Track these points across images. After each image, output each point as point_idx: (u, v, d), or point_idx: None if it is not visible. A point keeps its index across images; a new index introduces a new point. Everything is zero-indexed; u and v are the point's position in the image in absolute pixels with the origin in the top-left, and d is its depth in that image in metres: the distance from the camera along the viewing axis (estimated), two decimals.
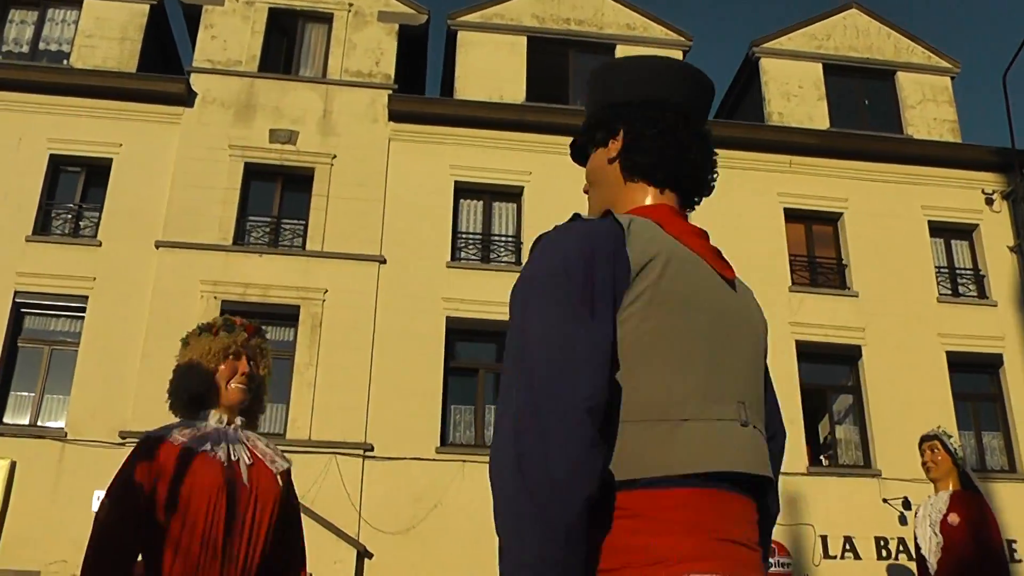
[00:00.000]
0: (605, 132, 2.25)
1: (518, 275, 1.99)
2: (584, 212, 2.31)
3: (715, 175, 2.29)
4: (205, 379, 3.75)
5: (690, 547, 1.79)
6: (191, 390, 3.75)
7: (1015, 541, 20.37)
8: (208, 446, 3.61)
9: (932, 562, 6.53)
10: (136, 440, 3.54)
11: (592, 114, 2.31)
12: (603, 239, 1.94)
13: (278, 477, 3.74)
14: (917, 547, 6.79)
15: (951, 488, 6.68)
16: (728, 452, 1.91)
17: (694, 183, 2.24)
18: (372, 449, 19.15)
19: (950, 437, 6.79)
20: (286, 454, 3.84)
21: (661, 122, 2.19)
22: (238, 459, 3.63)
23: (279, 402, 19.21)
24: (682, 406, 1.90)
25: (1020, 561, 20.30)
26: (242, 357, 3.79)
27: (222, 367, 3.75)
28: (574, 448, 1.72)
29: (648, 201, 2.18)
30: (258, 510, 3.59)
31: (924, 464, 6.85)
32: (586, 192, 2.33)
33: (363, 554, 18.30)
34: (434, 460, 19.13)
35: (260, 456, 3.71)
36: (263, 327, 4.04)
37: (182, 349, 3.87)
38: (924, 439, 6.93)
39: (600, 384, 1.79)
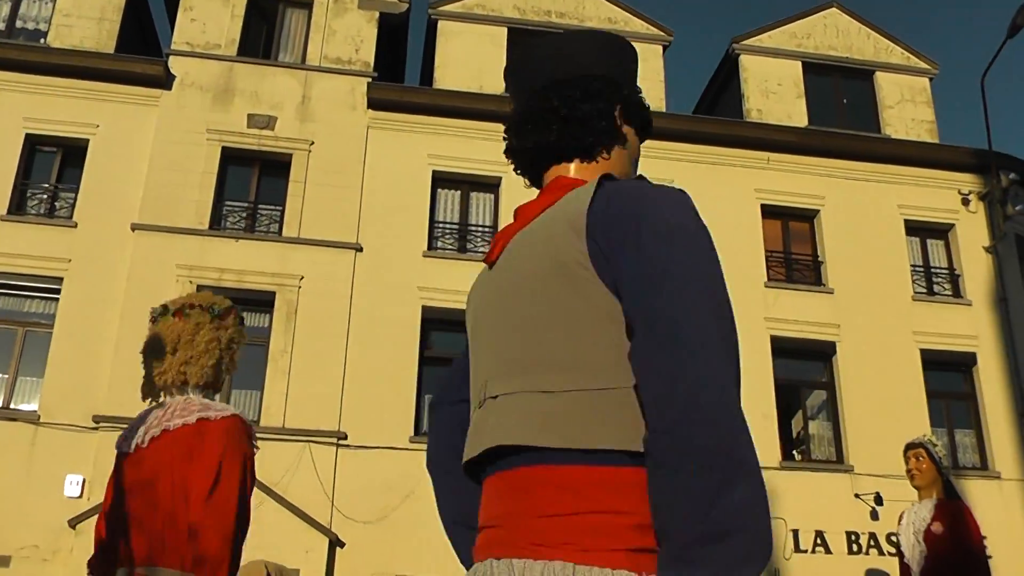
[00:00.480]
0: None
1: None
2: None
3: None
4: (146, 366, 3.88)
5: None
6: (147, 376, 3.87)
7: (986, 538, 20.54)
8: (125, 437, 3.79)
9: (915, 571, 6.57)
10: (109, 425, 3.56)
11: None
12: None
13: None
14: (900, 554, 6.82)
15: (935, 497, 6.71)
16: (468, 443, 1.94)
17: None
18: (346, 438, 19.19)
19: (935, 445, 6.77)
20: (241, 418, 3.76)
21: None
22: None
23: (253, 389, 19.23)
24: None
25: (991, 558, 20.49)
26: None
27: None
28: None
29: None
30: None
31: (909, 471, 6.82)
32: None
33: (335, 543, 18.34)
34: (407, 449, 19.15)
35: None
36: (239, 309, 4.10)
37: None
38: (909, 446, 6.89)
39: None
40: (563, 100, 2.06)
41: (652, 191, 1.80)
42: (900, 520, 6.90)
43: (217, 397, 3.96)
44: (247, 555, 9.84)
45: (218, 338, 3.86)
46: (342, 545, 18.43)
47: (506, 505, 1.77)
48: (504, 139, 2.17)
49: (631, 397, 1.69)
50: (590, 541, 1.63)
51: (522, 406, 1.79)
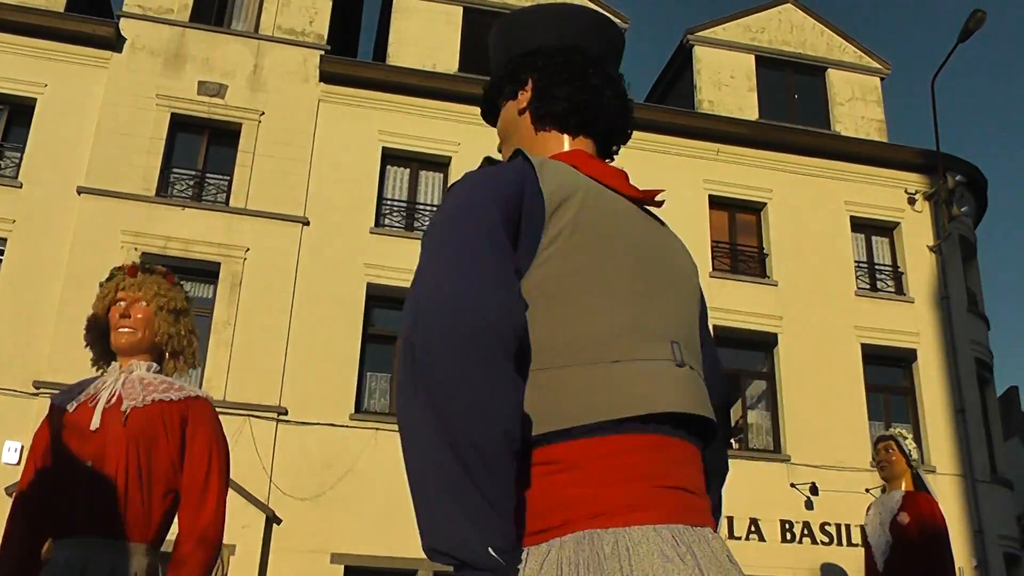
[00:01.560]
0: (514, 83, 2.20)
1: None
2: None
3: (630, 121, 2.25)
4: (97, 329, 3.89)
5: (633, 496, 1.73)
6: (90, 342, 3.91)
7: None
8: (69, 399, 3.71)
9: (880, 561, 6.71)
10: (50, 391, 3.58)
11: (499, 67, 2.27)
12: (512, 177, 1.88)
13: (150, 410, 3.68)
14: (867, 544, 6.96)
15: (903, 488, 6.83)
16: (665, 393, 1.83)
17: (609, 128, 2.20)
18: (286, 413, 19.25)
19: (906, 438, 6.90)
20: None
21: (571, 67, 2.14)
22: (94, 404, 3.65)
23: None
24: (612, 347, 1.83)
25: None
26: (119, 302, 3.84)
27: (110, 315, 3.84)
28: (488, 372, 1.65)
29: (564, 148, 2.13)
30: (105, 451, 3.55)
31: (879, 463, 6.99)
32: (500, 151, 2.29)
33: (272, 519, 18.36)
34: (347, 427, 19.30)
35: (125, 395, 3.67)
36: (181, 280, 4.14)
37: None
38: (880, 439, 7.05)
39: (505, 313, 1.70)
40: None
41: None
42: (868, 511, 7.02)
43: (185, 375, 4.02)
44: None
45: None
46: (279, 522, 18.45)
47: (697, 476, 1.86)
48: None
49: None
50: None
51: (703, 389, 1.94)
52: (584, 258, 1.84)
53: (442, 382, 1.63)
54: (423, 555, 1.67)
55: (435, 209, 2.25)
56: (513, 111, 2.19)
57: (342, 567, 18.39)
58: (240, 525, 17.63)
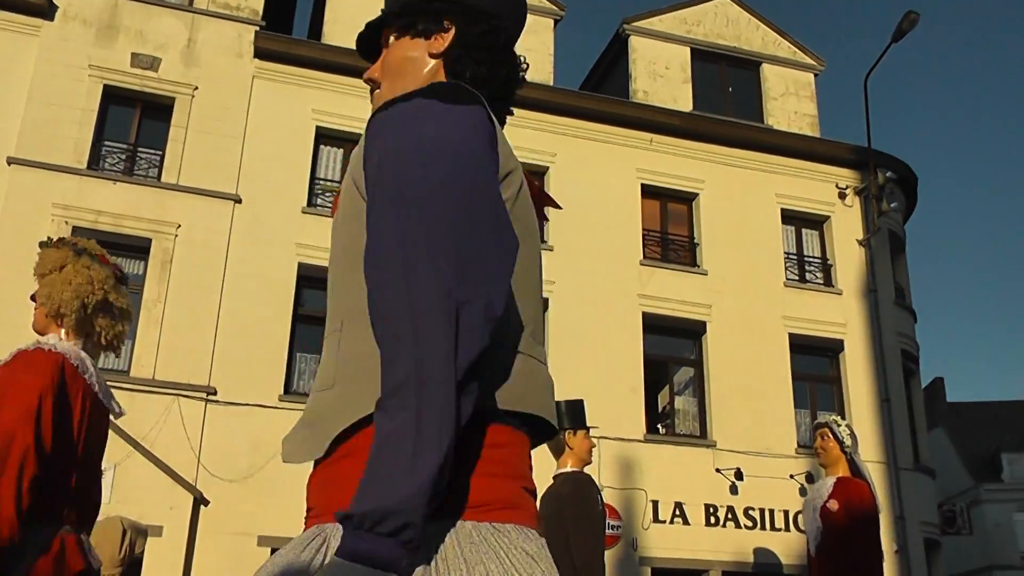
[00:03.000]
0: (430, 23, 2.09)
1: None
2: None
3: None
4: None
5: (514, 494, 1.75)
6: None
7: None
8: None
9: (812, 547, 6.90)
10: None
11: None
12: (487, 134, 1.82)
13: None
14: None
15: (839, 475, 6.95)
16: (543, 397, 1.87)
17: (506, 109, 2.16)
18: (215, 393, 19.28)
19: (840, 425, 7.03)
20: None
21: (496, 35, 2.08)
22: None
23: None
24: (525, 339, 1.85)
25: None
26: None
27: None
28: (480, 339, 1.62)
29: None
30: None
31: (816, 450, 7.19)
32: (370, 82, 2.17)
33: (199, 501, 18.33)
34: (276, 408, 19.35)
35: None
36: (112, 255, 4.10)
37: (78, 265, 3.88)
38: (817, 426, 7.23)
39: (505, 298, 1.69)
40: None
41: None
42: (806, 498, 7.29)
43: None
44: (109, 510, 9.66)
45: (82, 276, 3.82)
46: (206, 503, 18.45)
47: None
48: None
49: None
50: None
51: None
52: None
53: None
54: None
55: (404, 121, 1.72)
56: (420, 50, 2.08)
57: (268, 550, 18.26)
58: (168, 506, 17.69)
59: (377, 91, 2.13)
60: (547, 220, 2.06)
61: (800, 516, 7.35)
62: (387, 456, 1.52)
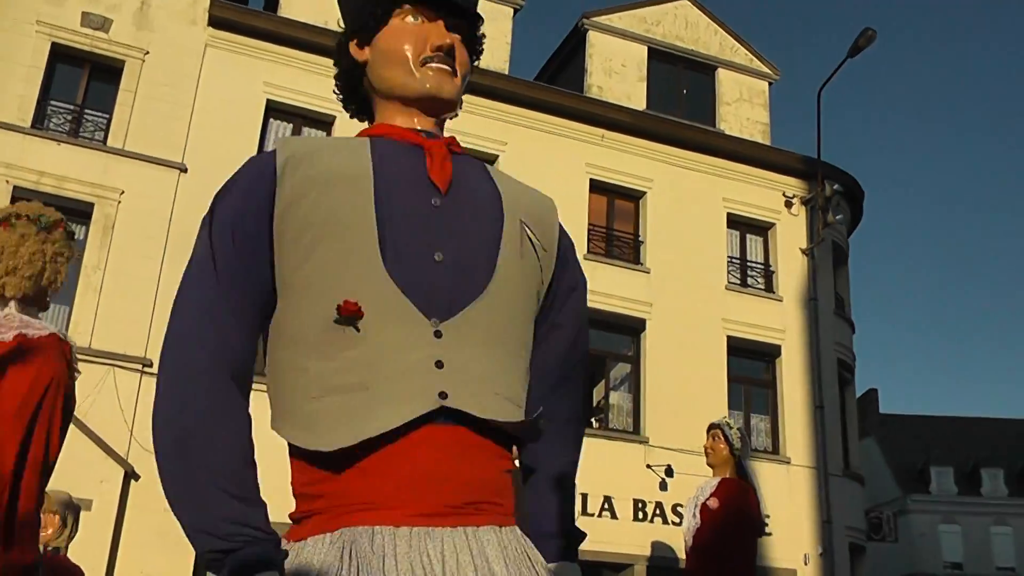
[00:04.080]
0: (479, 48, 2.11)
1: None
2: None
3: None
4: None
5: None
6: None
7: (768, 516, 21.81)
8: None
9: (689, 543, 6.89)
10: None
11: None
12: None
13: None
14: None
15: (724, 476, 6.98)
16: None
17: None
18: (151, 365, 18.58)
19: (732, 428, 7.06)
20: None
21: None
22: None
23: (62, 303, 18.52)
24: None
25: (770, 535, 21.75)
26: None
27: None
28: None
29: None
30: None
31: (705, 449, 7.18)
32: (450, 56, 2.00)
33: (131, 475, 17.93)
34: None
35: None
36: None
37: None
38: (710, 427, 7.23)
39: None
40: None
41: None
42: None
43: (44, 317, 3.75)
44: None
45: (43, 251, 3.66)
46: (137, 478, 18.04)
47: None
48: None
49: None
50: None
51: None
52: None
53: None
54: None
55: None
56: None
57: None
58: (98, 479, 17.30)
59: (455, 79, 1.98)
60: (444, 194, 1.87)
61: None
62: None
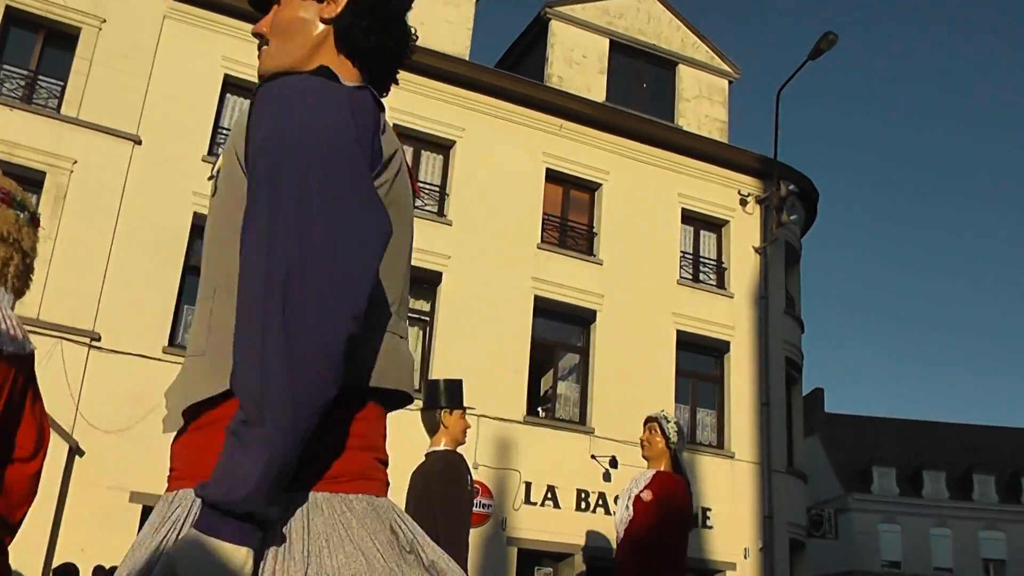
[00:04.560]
0: None
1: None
2: None
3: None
4: None
5: (362, 465, 1.81)
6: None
7: (710, 509, 22.00)
8: None
9: (620, 534, 6.90)
10: None
11: None
12: (370, 118, 1.85)
13: None
14: None
15: (659, 468, 6.98)
16: (404, 370, 1.94)
17: (390, 84, 2.14)
18: (99, 339, 18.53)
19: (669, 422, 7.03)
20: None
21: (388, 5, 2.05)
22: None
23: None
24: (394, 320, 1.93)
25: (712, 528, 21.84)
26: None
27: None
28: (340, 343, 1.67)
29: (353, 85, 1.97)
30: None
31: (641, 442, 7.16)
32: (258, 37, 2.14)
33: (75, 451, 17.65)
34: (160, 360, 18.53)
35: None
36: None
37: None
38: (647, 420, 7.22)
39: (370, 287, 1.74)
40: None
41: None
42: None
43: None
44: None
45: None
46: (81, 454, 17.77)
47: None
48: None
49: None
50: None
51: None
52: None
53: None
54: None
55: (283, 104, 1.68)
56: (312, 13, 2.04)
57: (140, 507, 17.55)
58: None
59: (265, 47, 2.11)
60: (418, 196, 1.85)
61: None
62: (236, 450, 1.59)
